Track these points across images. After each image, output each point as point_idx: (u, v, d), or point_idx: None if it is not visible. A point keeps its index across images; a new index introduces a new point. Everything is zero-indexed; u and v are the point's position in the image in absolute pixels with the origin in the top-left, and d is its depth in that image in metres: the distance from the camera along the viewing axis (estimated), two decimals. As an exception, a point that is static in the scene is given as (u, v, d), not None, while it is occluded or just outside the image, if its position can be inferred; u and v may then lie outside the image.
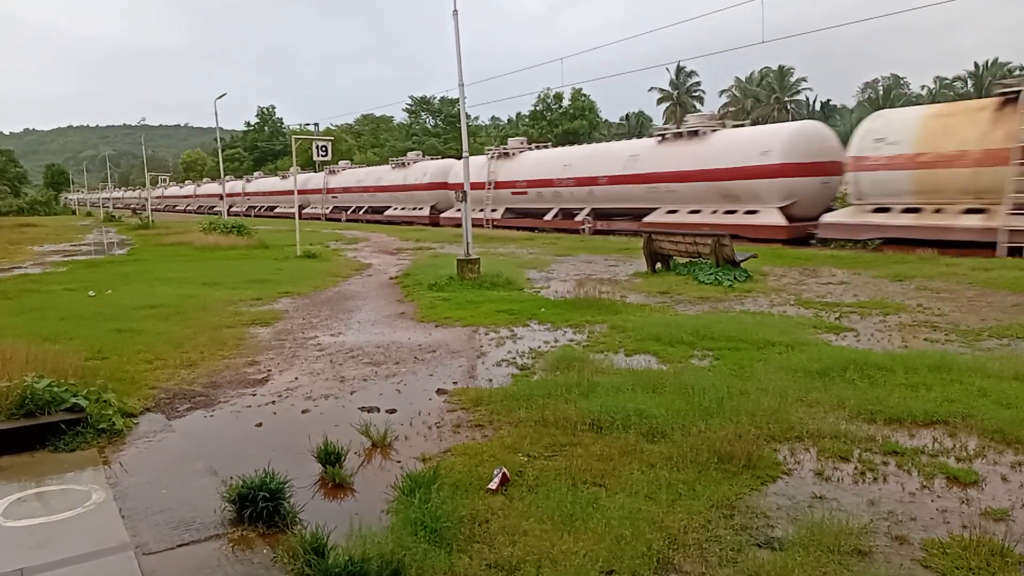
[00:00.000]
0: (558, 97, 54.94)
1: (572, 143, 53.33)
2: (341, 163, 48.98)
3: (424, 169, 40.32)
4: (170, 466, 4.93)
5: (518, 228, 30.85)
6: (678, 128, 25.48)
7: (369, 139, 70.38)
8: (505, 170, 33.43)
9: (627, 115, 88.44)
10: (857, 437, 4.96)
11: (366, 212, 45.16)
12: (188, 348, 8.33)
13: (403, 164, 42.75)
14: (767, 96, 76.72)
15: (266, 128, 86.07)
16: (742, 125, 26.65)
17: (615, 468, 4.48)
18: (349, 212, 46.47)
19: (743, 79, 79.60)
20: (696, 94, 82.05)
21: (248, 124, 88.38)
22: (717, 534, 3.66)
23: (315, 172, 51.50)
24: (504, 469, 4.37)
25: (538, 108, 56.05)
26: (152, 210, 50.99)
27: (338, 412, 6.01)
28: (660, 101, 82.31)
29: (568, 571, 3.29)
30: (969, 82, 63.76)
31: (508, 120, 77.19)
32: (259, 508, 3.93)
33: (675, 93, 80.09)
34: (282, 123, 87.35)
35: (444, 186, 37.71)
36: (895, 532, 3.69)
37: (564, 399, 5.80)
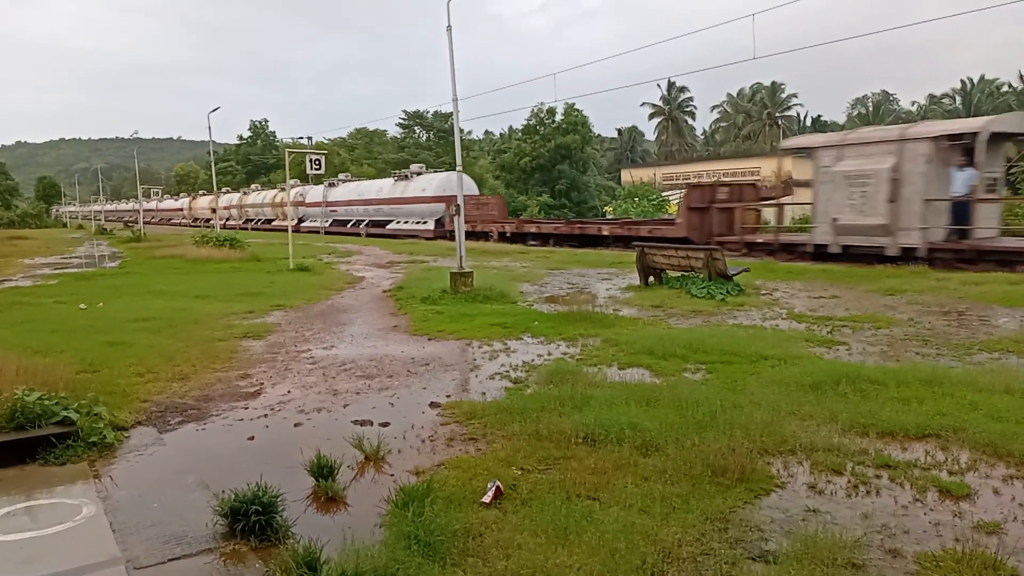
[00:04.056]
0: (551, 112, 55.07)
1: (565, 157, 53.64)
2: (250, 187, 62.27)
3: (291, 191, 55.32)
4: (161, 480, 4.90)
5: (339, 233, 43.76)
6: (401, 174, 41.06)
7: (362, 152, 70.31)
8: (331, 194, 48.08)
9: (619, 130, 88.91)
10: (850, 450, 4.97)
11: (255, 222, 58.59)
12: (180, 361, 8.29)
13: (273, 185, 58.37)
14: (759, 112, 77.35)
15: (259, 141, 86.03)
16: (422, 171, 41.54)
17: (609, 481, 4.47)
18: (253, 223, 58.48)
19: (734, 95, 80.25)
20: (688, 109, 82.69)
21: (241, 137, 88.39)
22: (711, 547, 3.66)
23: (235, 192, 68.30)
24: (498, 483, 4.36)
25: (531, 123, 56.14)
26: (144, 223, 51.32)
27: (331, 425, 5.98)
28: (652, 116, 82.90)
29: (562, 585, 3.28)
30: (958, 99, 64.39)
31: (500, 134, 77.38)
32: (251, 522, 3.90)
33: (667, 108, 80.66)
34: (275, 136, 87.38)
35: (302, 204, 50.11)
36: (888, 545, 3.70)
37: (558, 412, 5.79)
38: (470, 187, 37.77)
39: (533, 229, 30.71)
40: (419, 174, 40.11)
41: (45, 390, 5.76)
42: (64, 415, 5.51)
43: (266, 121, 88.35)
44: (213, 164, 43.37)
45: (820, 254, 18.21)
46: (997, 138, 16.35)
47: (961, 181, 16.20)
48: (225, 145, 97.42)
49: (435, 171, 40.97)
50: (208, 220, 60.00)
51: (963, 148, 16.07)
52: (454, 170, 15.21)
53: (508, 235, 31.33)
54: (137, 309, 12.37)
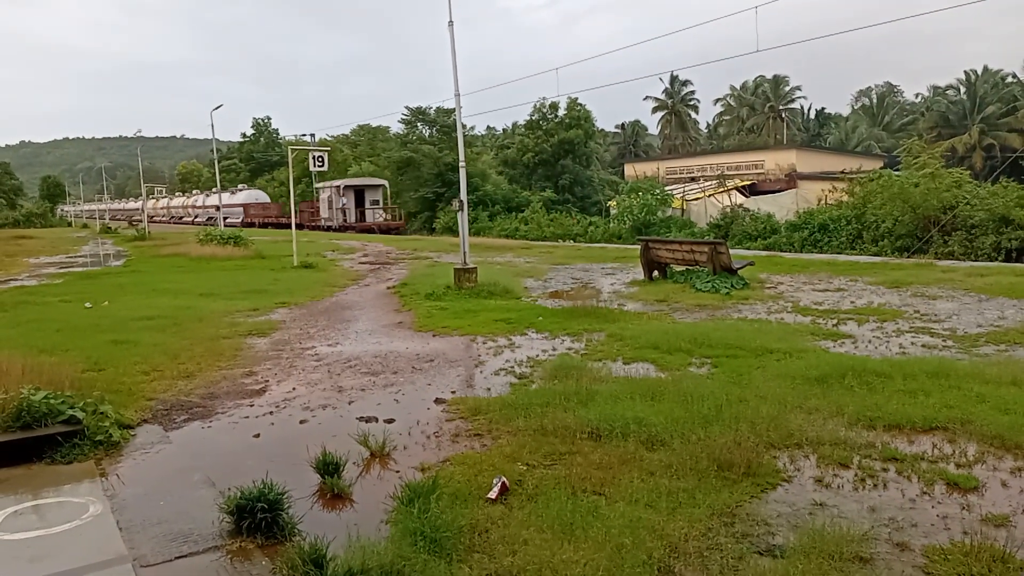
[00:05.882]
0: (554, 107, 54.76)
1: (568, 152, 53.49)
2: (175, 193, 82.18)
3: (192, 198, 76.51)
4: (167, 478, 4.91)
5: (203, 225, 57.85)
6: (232, 190, 66.63)
7: (365, 149, 70.18)
8: (207, 200, 68.95)
9: (622, 124, 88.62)
10: (856, 444, 4.96)
11: (176, 219, 78.76)
12: (185, 359, 8.31)
13: (183, 193, 79.85)
14: (762, 105, 77.00)
15: (262, 139, 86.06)
16: (243, 189, 67.87)
17: (615, 476, 4.47)
18: (175, 219, 76.30)
19: (738, 88, 79.89)
20: (691, 103, 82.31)
21: (244, 135, 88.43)
22: (718, 542, 3.65)
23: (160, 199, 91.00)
24: (503, 478, 4.36)
25: (534, 118, 55.84)
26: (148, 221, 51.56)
27: (336, 422, 5.99)
28: (655, 110, 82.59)
29: (569, 580, 3.27)
30: (962, 89, 63.88)
31: (504, 130, 77.12)
32: (257, 519, 3.91)
33: (670, 102, 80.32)
34: (278, 134, 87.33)
35: (198, 207, 69.79)
36: (896, 539, 3.69)
37: (563, 408, 5.79)
38: (263, 198, 64.80)
39: (268, 220, 55.99)
40: (241, 190, 67.62)
41: (51, 389, 5.78)
42: (70, 414, 5.53)
43: (269, 119, 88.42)
44: (216, 162, 43.38)
45: (331, 230, 44.14)
46: (351, 187, 45.77)
47: (342, 202, 44.65)
48: (228, 143, 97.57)
49: (244, 189, 68.56)
50: (155, 217, 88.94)
51: (343, 189, 45.47)
52: (456, 167, 15.23)
53: (260, 224, 54.72)
54: (142, 307, 12.39)
